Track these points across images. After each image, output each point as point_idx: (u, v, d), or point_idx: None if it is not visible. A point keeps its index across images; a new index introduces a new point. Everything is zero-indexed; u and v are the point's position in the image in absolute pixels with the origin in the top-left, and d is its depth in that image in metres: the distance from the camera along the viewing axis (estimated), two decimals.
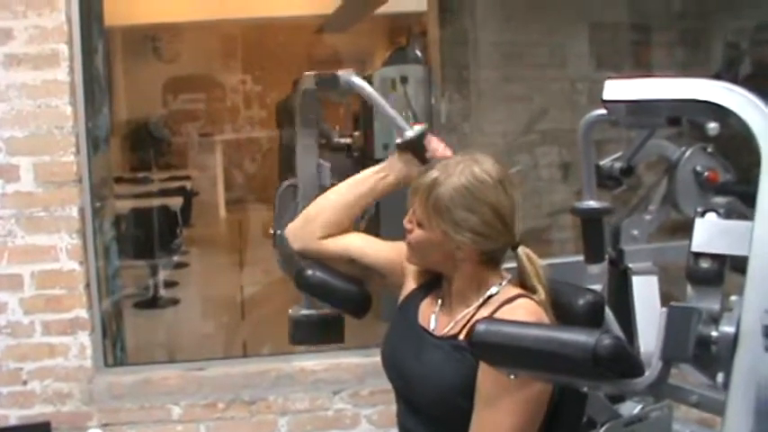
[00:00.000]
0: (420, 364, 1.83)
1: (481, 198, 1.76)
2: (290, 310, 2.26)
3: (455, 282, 1.85)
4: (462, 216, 1.75)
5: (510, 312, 1.73)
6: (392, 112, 2.12)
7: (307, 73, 2.20)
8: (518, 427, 1.69)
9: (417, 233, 1.82)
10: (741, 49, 4.93)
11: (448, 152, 2.01)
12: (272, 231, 2.29)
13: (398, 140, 2.06)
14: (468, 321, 1.79)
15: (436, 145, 2.02)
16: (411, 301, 1.96)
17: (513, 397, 1.67)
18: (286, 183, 2.32)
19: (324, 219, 2.04)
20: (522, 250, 1.83)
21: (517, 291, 1.81)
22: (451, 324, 1.84)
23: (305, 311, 2.23)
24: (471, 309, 1.82)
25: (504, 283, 1.83)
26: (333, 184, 2.17)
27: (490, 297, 1.81)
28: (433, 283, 1.94)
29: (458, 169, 1.77)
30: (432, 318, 1.88)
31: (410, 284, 1.99)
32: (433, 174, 1.79)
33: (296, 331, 2.26)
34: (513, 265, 1.88)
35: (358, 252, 2.04)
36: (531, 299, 1.78)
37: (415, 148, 2.02)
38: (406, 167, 2.03)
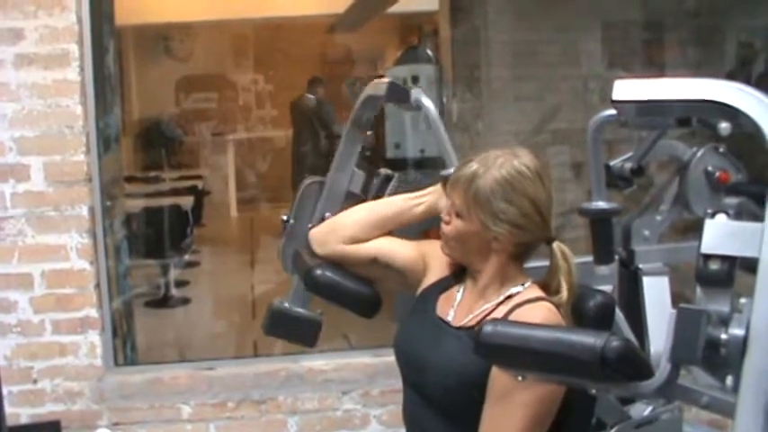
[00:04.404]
0: (436, 352, 1.84)
1: (520, 190, 1.78)
2: (273, 300, 2.26)
3: (481, 276, 1.86)
4: (501, 207, 1.77)
5: (529, 311, 1.74)
6: (448, 143, 2.11)
7: (378, 81, 2.18)
8: (530, 423, 1.69)
9: (456, 224, 1.84)
10: (755, 47, 4.90)
11: None
12: (284, 218, 2.30)
13: (444, 173, 2.03)
14: (487, 315, 1.80)
15: None
16: (430, 294, 1.97)
17: (527, 394, 1.67)
18: (311, 179, 2.32)
19: (349, 233, 2.05)
20: (557, 246, 1.85)
21: (539, 293, 1.83)
22: (470, 316, 1.85)
23: (287, 305, 2.24)
24: (491, 304, 1.83)
25: (527, 284, 1.85)
26: (359, 197, 2.18)
27: (511, 296, 1.83)
28: (452, 278, 1.96)
29: (498, 162, 1.80)
30: (450, 311, 1.90)
31: (430, 278, 2.00)
32: (473, 166, 1.81)
33: (270, 322, 2.28)
34: (537, 264, 1.89)
35: (380, 252, 2.05)
36: (552, 302, 1.79)
37: None
38: (440, 200, 2.02)
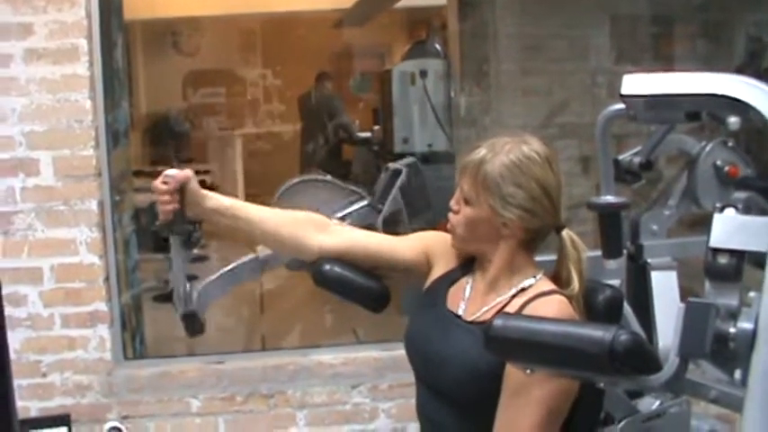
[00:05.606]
0: (447, 345, 1.84)
1: (529, 174, 1.78)
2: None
3: (492, 266, 1.85)
4: (510, 191, 1.78)
5: (543, 305, 1.74)
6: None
7: None
8: (546, 417, 1.69)
9: (465, 210, 1.84)
10: (764, 41, 4.89)
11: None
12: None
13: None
14: (501, 309, 1.80)
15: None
16: (439, 286, 1.96)
17: (543, 388, 1.67)
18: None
19: (282, 236, 2.08)
20: (566, 233, 1.85)
21: (551, 286, 1.82)
22: (483, 309, 1.84)
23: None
24: (505, 297, 1.83)
25: (538, 276, 1.84)
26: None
27: (524, 289, 1.82)
28: (460, 271, 1.95)
29: (506, 148, 1.80)
30: (461, 303, 1.89)
31: (437, 271, 2.00)
32: (482, 151, 1.81)
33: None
34: (547, 258, 1.88)
35: (381, 256, 2.04)
36: (564, 294, 1.79)
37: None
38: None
